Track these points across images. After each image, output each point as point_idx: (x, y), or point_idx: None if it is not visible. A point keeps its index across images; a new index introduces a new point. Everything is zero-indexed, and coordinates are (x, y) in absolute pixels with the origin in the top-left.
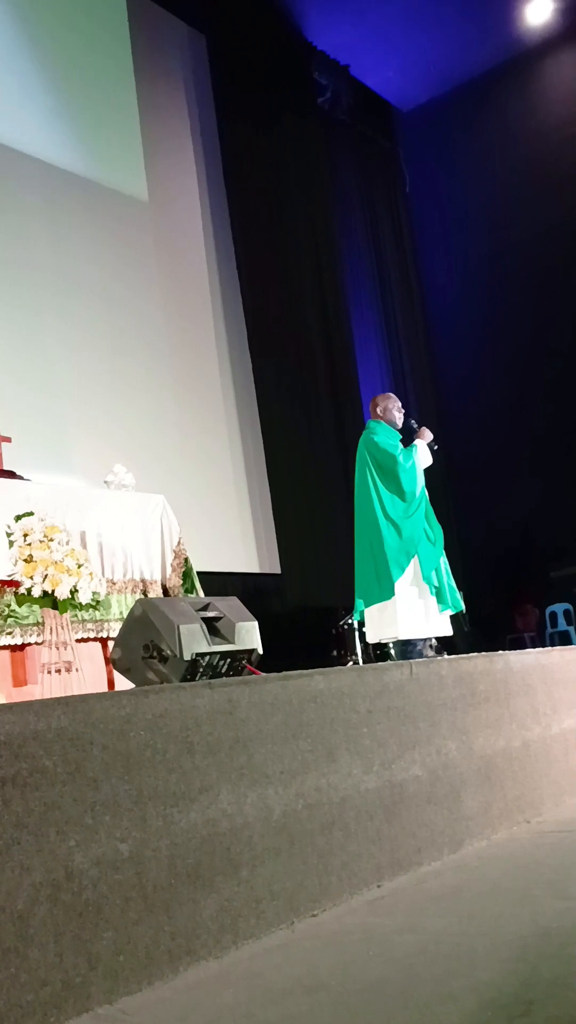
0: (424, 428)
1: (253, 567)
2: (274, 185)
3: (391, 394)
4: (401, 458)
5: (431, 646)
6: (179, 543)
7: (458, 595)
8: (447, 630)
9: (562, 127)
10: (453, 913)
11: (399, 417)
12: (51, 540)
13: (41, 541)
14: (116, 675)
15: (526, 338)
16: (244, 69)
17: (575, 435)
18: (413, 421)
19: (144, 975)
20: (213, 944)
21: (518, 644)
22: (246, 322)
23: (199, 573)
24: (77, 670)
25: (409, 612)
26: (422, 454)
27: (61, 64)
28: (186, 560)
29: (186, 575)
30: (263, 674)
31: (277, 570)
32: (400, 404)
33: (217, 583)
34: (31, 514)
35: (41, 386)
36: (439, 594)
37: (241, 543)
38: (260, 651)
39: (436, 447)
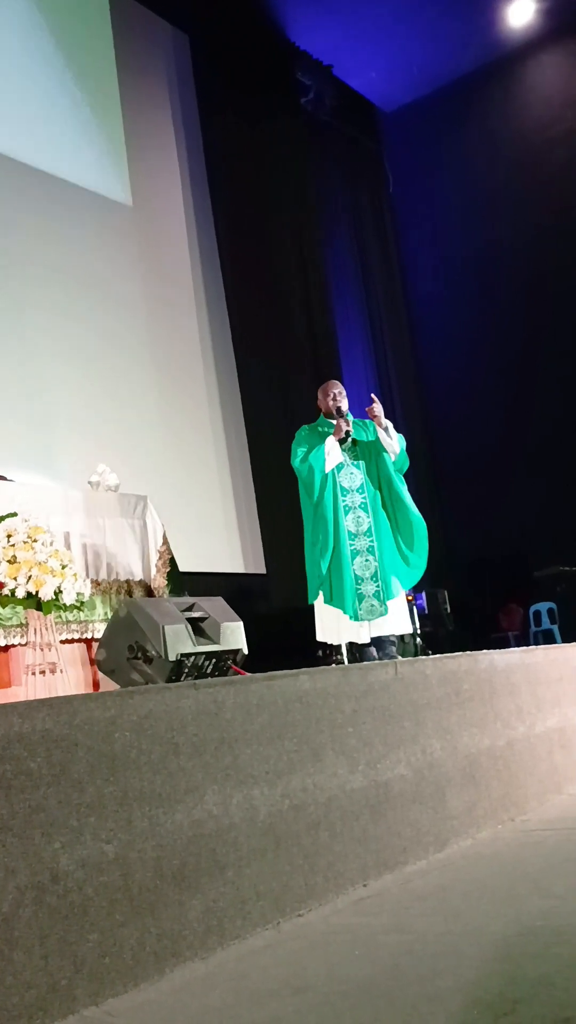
0: (342, 420)
1: (238, 567)
2: (258, 185)
3: (330, 381)
4: (298, 458)
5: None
6: (164, 543)
7: (372, 602)
8: (361, 637)
9: (545, 128)
10: (438, 912)
11: (331, 405)
12: (35, 541)
13: (25, 542)
14: (101, 676)
15: (512, 339)
16: (228, 69)
17: (562, 437)
18: (341, 407)
19: (130, 977)
20: (199, 945)
21: (502, 643)
22: (230, 322)
23: (184, 573)
24: (61, 671)
25: (325, 616)
26: (328, 451)
27: (42, 65)
28: (171, 560)
29: (171, 575)
30: (249, 674)
31: (263, 570)
32: (337, 391)
33: (202, 583)
34: (15, 515)
35: (24, 387)
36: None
37: (226, 543)
38: (245, 651)
39: (348, 438)
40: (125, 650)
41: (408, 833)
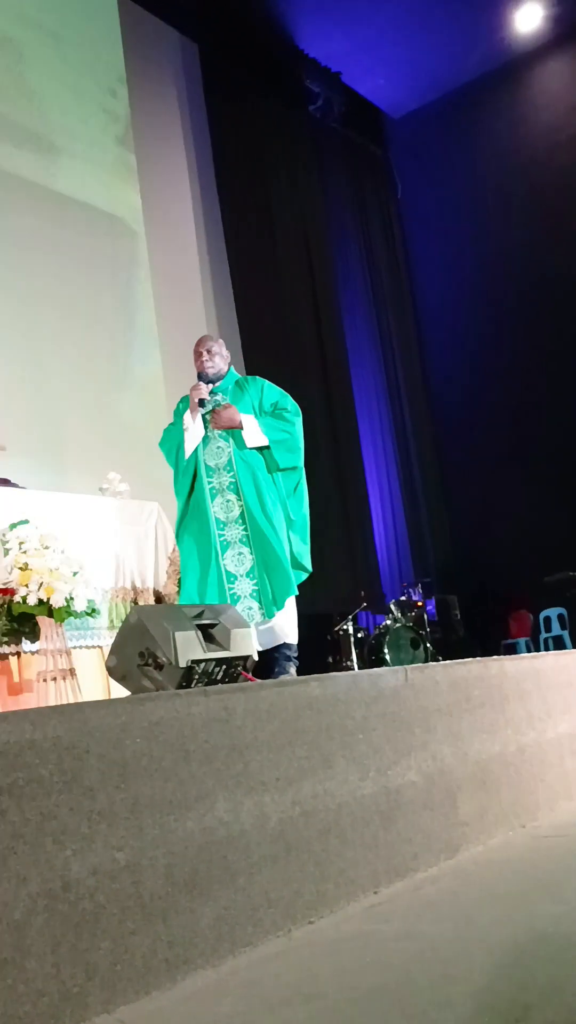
0: (198, 385)
1: None
2: (267, 193)
3: (201, 337)
4: (161, 439)
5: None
6: (174, 550)
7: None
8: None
9: (551, 133)
10: (450, 919)
11: (197, 368)
12: (46, 548)
13: (36, 549)
14: (112, 683)
15: (520, 344)
16: (237, 78)
17: (571, 441)
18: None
19: (142, 984)
20: (211, 953)
21: (512, 649)
22: (239, 329)
23: None
24: (73, 678)
25: None
26: (186, 427)
27: (51, 76)
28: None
29: (181, 582)
30: (259, 681)
31: None
32: (204, 349)
33: None
34: (26, 522)
35: (36, 396)
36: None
37: None
38: (256, 658)
39: (206, 407)
40: (136, 657)
41: (419, 839)
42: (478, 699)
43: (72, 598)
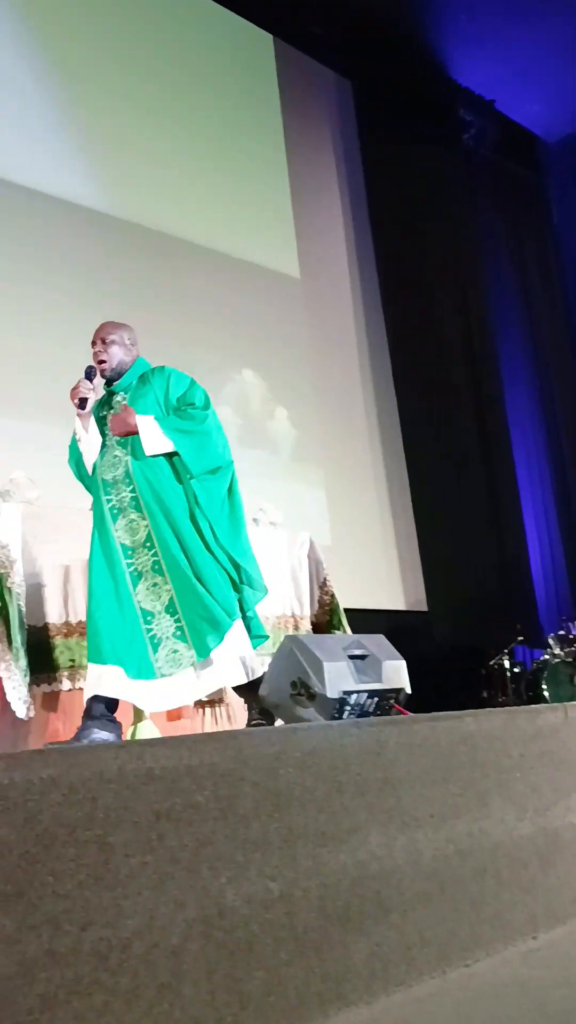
0: (81, 382)
1: (399, 604)
2: (420, 230)
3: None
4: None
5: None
6: (326, 580)
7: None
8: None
9: None
10: None
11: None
12: None
13: None
14: None
15: None
16: (390, 114)
17: None
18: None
19: (295, 1018)
20: (363, 990)
21: None
22: (392, 364)
23: (344, 610)
24: (227, 705)
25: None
26: (79, 437)
27: (212, 137)
28: (332, 597)
29: (333, 612)
30: (411, 714)
31: (424, 608)
32: (98, 338)
33: (362, 620)
34: None
35: None
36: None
37: (386, 580)
38: (408, 690)
39: (84, 407)
40: (288, 686)
41: None
42: None
43: None
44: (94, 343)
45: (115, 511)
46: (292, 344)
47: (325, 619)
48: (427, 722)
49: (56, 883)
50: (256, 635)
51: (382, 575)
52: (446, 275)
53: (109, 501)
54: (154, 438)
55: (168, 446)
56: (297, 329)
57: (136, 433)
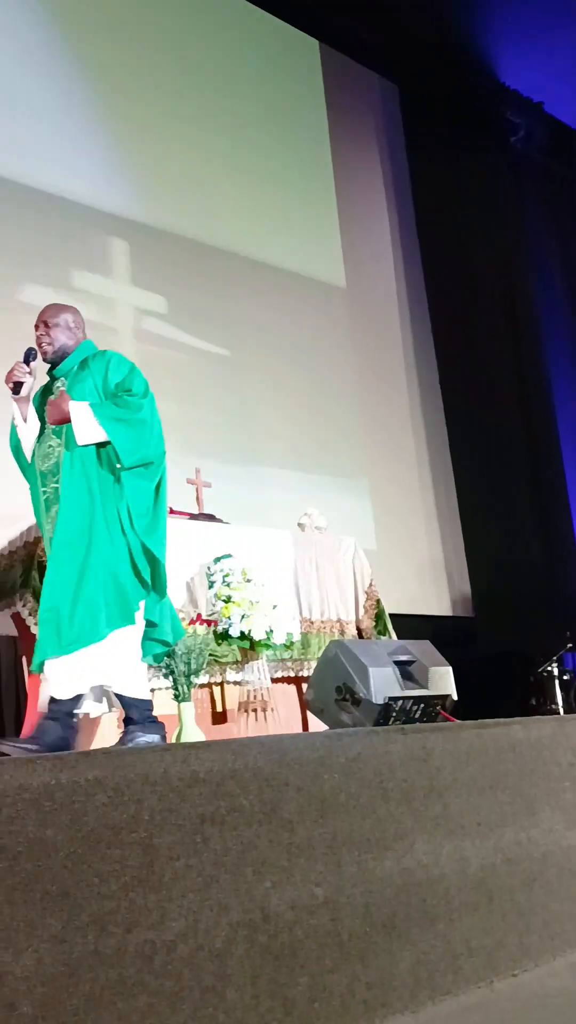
0: (16, 366)
1: (445, 610)
2: (467, 235)
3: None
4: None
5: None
6: (371, 585)
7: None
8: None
9: None
10: None
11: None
12: (248, 581)
13: (239, 582)
14: (309, 715)
15: None
16: (437, 117)
17: None
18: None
19: None
20: (409, 998)
21: None
22: (439, 372)
23: (390, 615)
24: (272, 710)
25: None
26: (16, 424)
27: (258, 144)
28: (378, 602)
29: (378, 617)
30: (458, 721)
31: (470, 613)
32: (41, 319)
33: (408, 626)
34: (229, 556)
35: (241, 444)
36: None
37: (432, 585)
38: (455, 697)
39: (19, 391)
40: (333, 691)
41: None
42: None
43: (272, 631)
44: (37, 326)
45: (48, 503)
46: (336, 353)
47: (370, 624)
48: (474, 729)
49: (101, 884)
50: (159, 639)
51: (428, 580)
52: (494, 281)
53: (44, 493)
54: (86, 426)
55: (100, 435)
56: (342, 339)
57: (68, 420)
